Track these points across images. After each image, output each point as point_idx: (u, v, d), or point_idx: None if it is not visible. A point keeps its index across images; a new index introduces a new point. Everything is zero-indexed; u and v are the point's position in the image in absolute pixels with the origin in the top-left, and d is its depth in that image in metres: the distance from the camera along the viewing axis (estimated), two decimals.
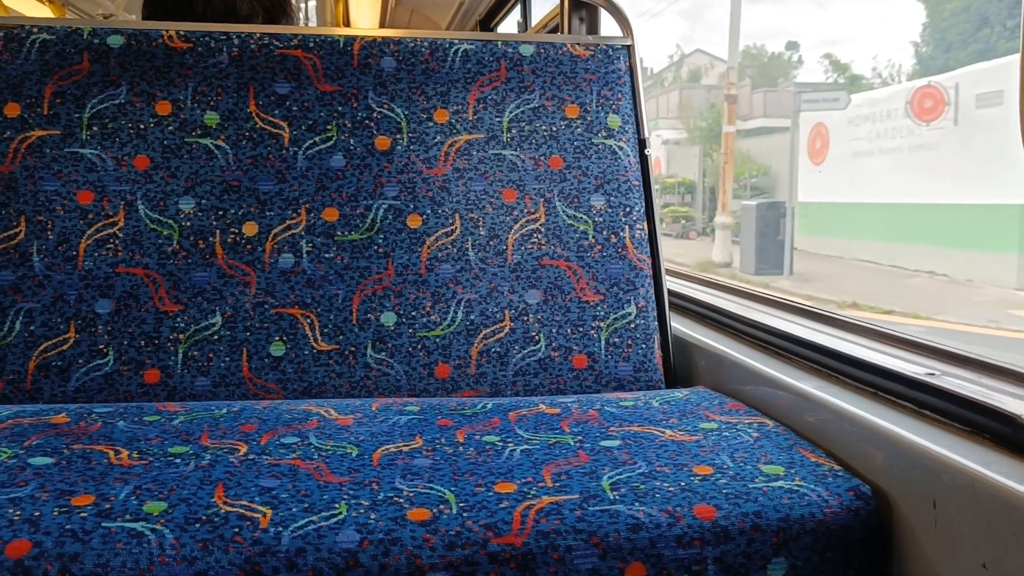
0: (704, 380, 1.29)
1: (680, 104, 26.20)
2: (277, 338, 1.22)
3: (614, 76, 1.41)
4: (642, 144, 1.40)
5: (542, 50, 1.40)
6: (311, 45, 1.34)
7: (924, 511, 0.79)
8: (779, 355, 1.17)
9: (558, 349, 1.27)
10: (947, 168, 11.19)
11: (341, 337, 1.23)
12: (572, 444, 0.96)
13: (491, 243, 1.30)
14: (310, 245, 1.26)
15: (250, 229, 1.26)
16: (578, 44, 1.42)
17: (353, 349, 1.23)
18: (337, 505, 0.80)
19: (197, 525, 0.76)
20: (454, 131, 1.34)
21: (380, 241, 1.28)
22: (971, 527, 0.73)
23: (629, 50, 1.44)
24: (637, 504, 0.81)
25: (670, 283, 1.51)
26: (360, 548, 0.75)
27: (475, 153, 1.34)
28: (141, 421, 1.01)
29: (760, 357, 1.18)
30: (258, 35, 1.33)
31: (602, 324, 1.29)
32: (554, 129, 1.36)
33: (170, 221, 1.25)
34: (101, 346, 1.19)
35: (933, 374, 0.93)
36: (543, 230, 1.32)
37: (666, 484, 0.85)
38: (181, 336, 1.21)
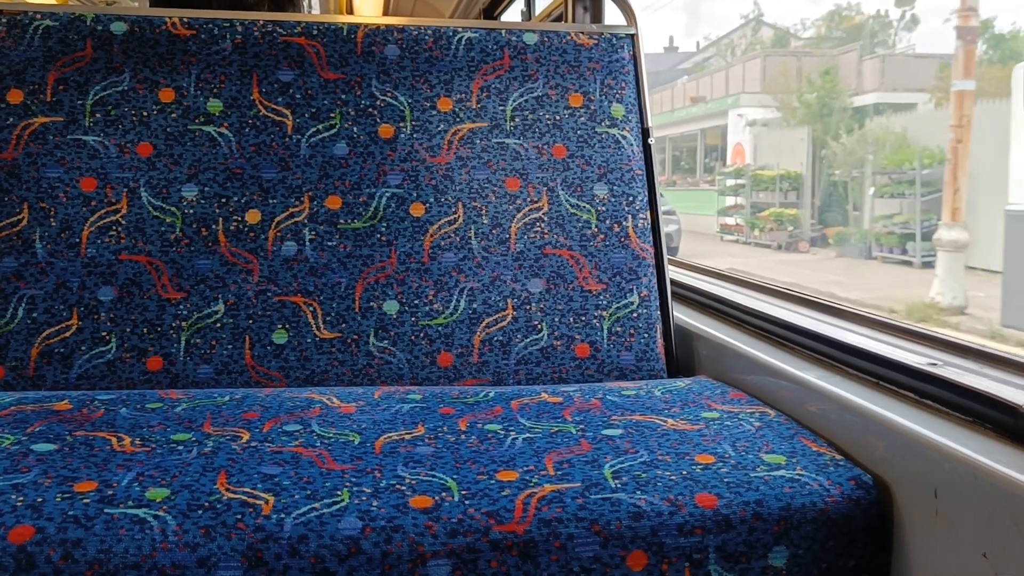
0: (706, 369, 1.29)
1: (765, 75, 20.14)
2: (280, 326, 1.22)
3: (618, 65, 1.40)
4: (645, 133, 1.40)
5: (546, 39, 1.39)
6: (314, 33, 1.33)
7: (925, 500, 0.79)
8: (781, 344, 1.17)
9: (560, 338, 1.27)
10: None
11: (344, 325, 1.23)
12: (574, 433, 0.96)
13: (494, 232, 1.30)
14: (313, 233, 1.26)
15: (253, 217, 1.26)
16: (582, 33, 1.41)
17: (356, 337, 1.23)
18: (339, 492, 0.80)
19: (200, 512, 0.76)
20: (457, 119, 1.34)
21: (383, 229, 1.28)
22: (972, 516, 0.73)
23: (633, 39, 1.43)
24: (639, 492, 0.81)
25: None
26: (362, 535, 0.75)
27: (478, 142, 1.33)
28: (143, 408, 1.02)
29: (762, 347, 1.18)
30: (261, 22, 1.33)
31: (604, 313, 1.29)
32: (557, 118, 1.36)
33: (173, 208, 1.25)
34: (104, 333, 1.19)
35: (935, 364, 0.93)
36: (546, 219, 1.32)
37: (668, 473, 0.85)
38: (184, 324, 1.21)
